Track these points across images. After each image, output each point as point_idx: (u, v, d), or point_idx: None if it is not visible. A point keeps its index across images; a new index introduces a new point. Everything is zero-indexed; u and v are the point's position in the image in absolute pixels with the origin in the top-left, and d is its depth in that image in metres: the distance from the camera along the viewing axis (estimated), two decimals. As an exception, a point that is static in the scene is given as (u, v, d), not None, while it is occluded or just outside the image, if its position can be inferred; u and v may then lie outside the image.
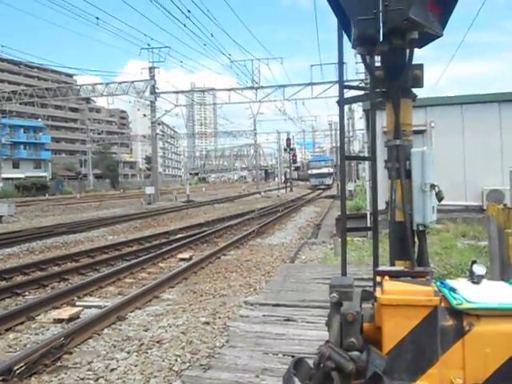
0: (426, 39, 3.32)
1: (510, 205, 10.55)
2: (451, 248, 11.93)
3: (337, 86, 4.26)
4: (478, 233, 13.42)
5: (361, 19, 3.07)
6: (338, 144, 5.14)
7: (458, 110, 16.59)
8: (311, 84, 41.29)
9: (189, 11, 30.78)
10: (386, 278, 2.43)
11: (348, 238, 12.98)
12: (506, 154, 15.91)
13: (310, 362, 2.35)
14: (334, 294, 2.41)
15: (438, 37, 3.32)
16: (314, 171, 76.47)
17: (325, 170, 74.61)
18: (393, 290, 2.30)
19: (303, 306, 7.65)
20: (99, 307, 8.36)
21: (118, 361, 5.99)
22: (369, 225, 12.97)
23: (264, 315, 7.27)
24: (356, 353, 2.21)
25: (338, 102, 3.78)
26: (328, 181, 72.53)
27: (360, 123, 54.94)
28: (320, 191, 62.07)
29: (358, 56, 3.53)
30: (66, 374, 5.70)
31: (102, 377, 5.56)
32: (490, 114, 16.21)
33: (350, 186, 36.94)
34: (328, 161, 79.26)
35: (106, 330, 7.24)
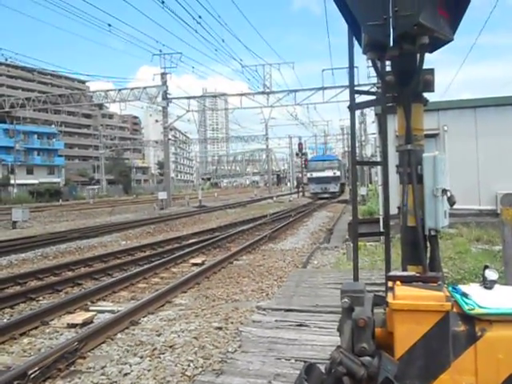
0: (436, 44, 3.32)
1: (525, 209, 10.45)
2: (465, 253, 11.85)
3: (348, 90, 4.31)
4: (492, 237, 13.31)
5: (371, 25, 3.08)
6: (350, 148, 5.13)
7: (472, 113, 16.49)
8: (323, 88, 41.30)
9: (200, 17, 31.02)
10: (398, 283, 2.43)
11: (361, 243, 12.96)
12: (520, 157, 15.78)
13: (322, 368, 2.36)
14: (346, 300, 2.41)
15: (449, 41, 3.32)
16: (315, 174, 57.35)
17: (329, 173, 56.59)
18: (404, 295, 2.30)
19: (316, 311, 7.63)
20: (112, 312, 8.40)
21: (131, 365, 6.01)
22: (381, 230, 12.92)
23: (276, 320, 7.26)
24: (367, 358, 2.22)
25: (348, 107, 3.79)
26: (334, 187, 55.92)
27: (372, 127, 54.76)
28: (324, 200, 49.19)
29: (370, 60, 3.54)
30: (79, 378, 5.72)
31: (116, 381, 5.59)
32: (504, 117, 16.07)
33: (362, 191, 36.83)
34: (334, 161, 61.64)
35: (119, 335, 7.28)
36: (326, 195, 53.36)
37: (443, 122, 16.28)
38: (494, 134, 15.75)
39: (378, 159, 18.25)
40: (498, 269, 7.97)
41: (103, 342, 6.91)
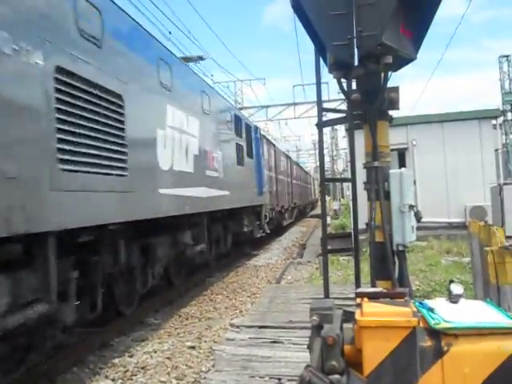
0: (400, 63, 3.40)
1: (492, 221, 10.69)
2: (436, 265, 12.02)
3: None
4: (462, 249, 13.53)
5: (336, 45, 3.14)
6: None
7: (439, 127, 16.84)
8: (294, 104, 41.52)
9: (170, 33, 31.04)
10: (365, 299, 2.45)
11: (333, 258, 12.95)
12: (486, 170, 16.15)
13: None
14: (315, 317, 2.42)
15: (412, 60, 3.40)
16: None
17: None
18: (371, 311, 2.32)
19: (289, 327, 7.63)
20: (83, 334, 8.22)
21: (102, 388, 5.91)
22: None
23: (250, 337, 7.23)
24: (336, 376, 2.22)
25: (316, 124, 3.85)
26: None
27: (343, 142, 55.16)
28: None
29: (335, 79, 3.60)
30: (49, 403, 5.60)
31: (87, 405, 5.49)
32: (470, 131, 16.47)
33: (334, 205, 37.06)
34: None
35: (90, 357, 7.13)
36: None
37: (412, 136, 16.59)
38: (461, 148, 16.10)
39: (349, 174, 18.43)
40: (468, 280, 8.10)
41: (74, 365, 6.76)
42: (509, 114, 28.32)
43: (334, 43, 3.15)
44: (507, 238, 6.34)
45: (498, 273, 4.49)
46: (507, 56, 28.60)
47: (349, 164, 20.44)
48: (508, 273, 4.47)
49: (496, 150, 18.16)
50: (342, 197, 55.32)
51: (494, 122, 18.37)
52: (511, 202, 11.04)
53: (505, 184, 12.68)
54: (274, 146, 25.48)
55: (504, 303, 4.48)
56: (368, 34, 3.04)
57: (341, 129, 49.64)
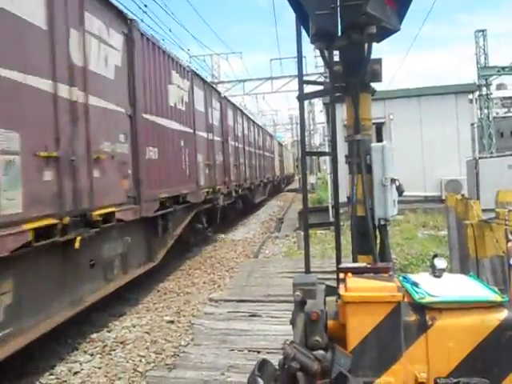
0: (383, 34, 3.32)
1: (467, 194, 10.80)
2: (412, 238, 12.16)
3: (296, 79, 4.30)
4: (438, 222, 13.71)
5: (319, 14, 3.05)
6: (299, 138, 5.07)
7: (416, 102, 16.89)
8: (271, 78, 41.15)
9: (145, 6, 30.18)
10: (349, 274, 2.43)
11: (311, 232, 12.97)
12: (462, 145, 16.29)
13: (276, 362, 2.33)
14: (298, 293, 2.39)
15: (396, 31, 3.33)
16: None
17: None
18: (356, 286, 2.30)
19: (268, 300, 7.66)
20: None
21: (81, 363, 5.86)
22: (331, 218, 13.09)
23: (229, 311, 7.25)
24: (321, 352, 2.20)
25: (297, 97, 3.77)
26: None
27: (320, 116, 54.94)
28: None
29: (317, 50, 3.51)
30: (27, 378, 5.53)
31: (65, 381, 5.43)
32: (447, 106, 16.55)
33: (312, 179, 37.18)
34: None
35: (68, 332, 7.06)
36: None
37: (389, 110, 16.61)
38: (438, 122, 16.21)
39: (326, 148, 18.46)
40: (444, 253, 8.19)
41: (52, 340, 6.68)
42: (484, 88, 28.48)
43: (316, 12, 3.06)
44: (483, 211, 6.40)
45: (477, 246, 4.53)
46: (483, 30, 28.62)
47: (326, 138, 20.36)
48: (487, 246, 4.51)
49: (472, 125, 18.28)
50: (319, 171, 55.49)
51: (470, 96, 18.47)
52: (486, 175, 11.16)
53: (480, 158, 12.81)
54: None
55: (482, 276, 4.53)
56: (352, 3, 2.97)
57: (318, 103, 49.34)
